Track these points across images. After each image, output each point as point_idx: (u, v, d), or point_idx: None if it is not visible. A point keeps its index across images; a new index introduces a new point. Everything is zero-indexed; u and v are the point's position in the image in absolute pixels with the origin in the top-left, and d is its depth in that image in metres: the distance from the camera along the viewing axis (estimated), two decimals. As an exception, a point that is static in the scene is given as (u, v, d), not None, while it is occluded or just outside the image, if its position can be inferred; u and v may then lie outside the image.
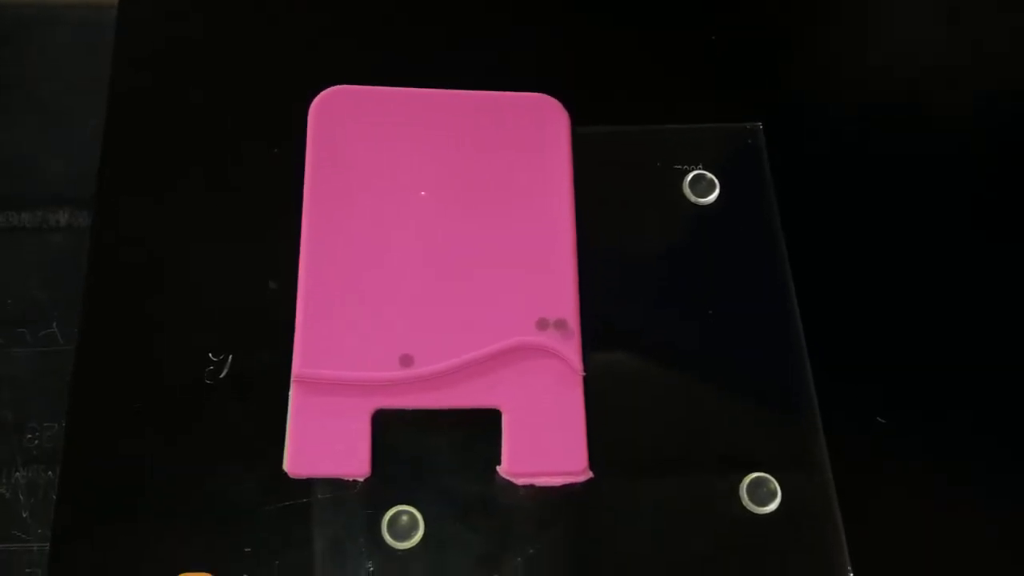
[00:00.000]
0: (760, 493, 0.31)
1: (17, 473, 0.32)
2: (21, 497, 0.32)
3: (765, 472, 0.31)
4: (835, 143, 0.37)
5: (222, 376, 0.31)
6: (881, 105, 0.39)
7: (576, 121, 0.35)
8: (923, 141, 0.38)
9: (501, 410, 0.31)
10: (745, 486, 0.31)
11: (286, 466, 0.30)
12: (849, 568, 0.30)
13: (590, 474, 0.31)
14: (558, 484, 0.31)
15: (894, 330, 0.34)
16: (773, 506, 0.31)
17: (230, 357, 0.32)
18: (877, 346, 0.34)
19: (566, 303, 0.32)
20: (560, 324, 0.32)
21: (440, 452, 0.31)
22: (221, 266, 0.33)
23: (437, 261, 0.32)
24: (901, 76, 0.39)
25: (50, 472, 0.32)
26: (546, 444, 0.31)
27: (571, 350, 0.31)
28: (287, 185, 0.33)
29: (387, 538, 0.30)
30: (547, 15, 0.39)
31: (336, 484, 0.30)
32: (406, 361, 0.31)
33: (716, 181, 0.35)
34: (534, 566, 0.30)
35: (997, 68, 0.40)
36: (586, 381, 0.31)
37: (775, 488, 0.31)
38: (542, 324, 0.32)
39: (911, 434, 0.33)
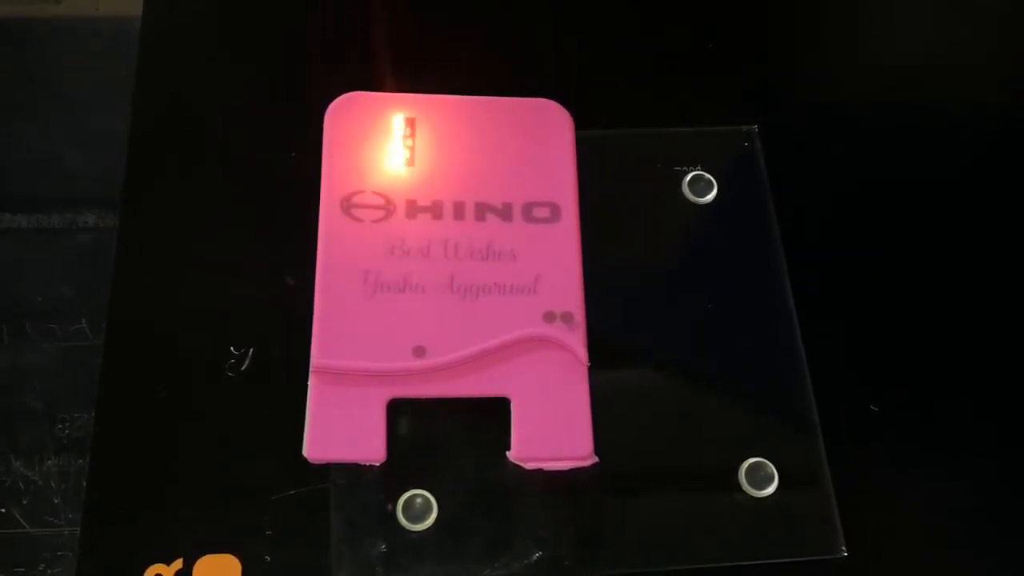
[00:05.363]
0: (758, 477, 0.32)
1: (49, 461, 0.33)
2: (53, 484, 0.33)
3: (763, 457, 0.32)
4: (829, 143, 0.39)
5: (243, 368, 0.33)
6: (874, 106, 0.40)
7: (579, 125, 0.36)
8: (918, 141, 0.39)
9: (510, 398, 0.32)
10: (744, 470, 0.32)
11: (305, 452, 0.31)
12: (843, 547, 0.31)
13: (596, 459, 0.32)
14: (565, 468, 0.32)
15: (887, 324, 0.35)
16: (771, 489, 0.32)
17: (251, 350, 0.33)
18: (870, 340, 0.35)
19: (572, 297, 0.33)
20: (566, 317, 0.33)
21: (452, 438, 0.32)
22: (241, 264, 0.35)
23: (448, 258, 0.33)
24: (894, 79, 0.40)
25: (80, 460, 0.33)
26: (553, 431, 0.32)
27: (577, 341, 0.33)
28: (304, 186, 0.34)
29: (402, 520, 0.31)
30: (551, 23, 0.40)
31: (353, 469, 0.31)
32: (419, 352, 0.32)
33: (714, 181, 0.36)
34: (543, 546, 0.31)
35: (997, 68, 0.41)
36: (591, 371, 0.32)
37: (772, 472, 0.32)
38: (549, 317, 0.33)
39: (903, 420, 0.34)
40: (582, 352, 0.33)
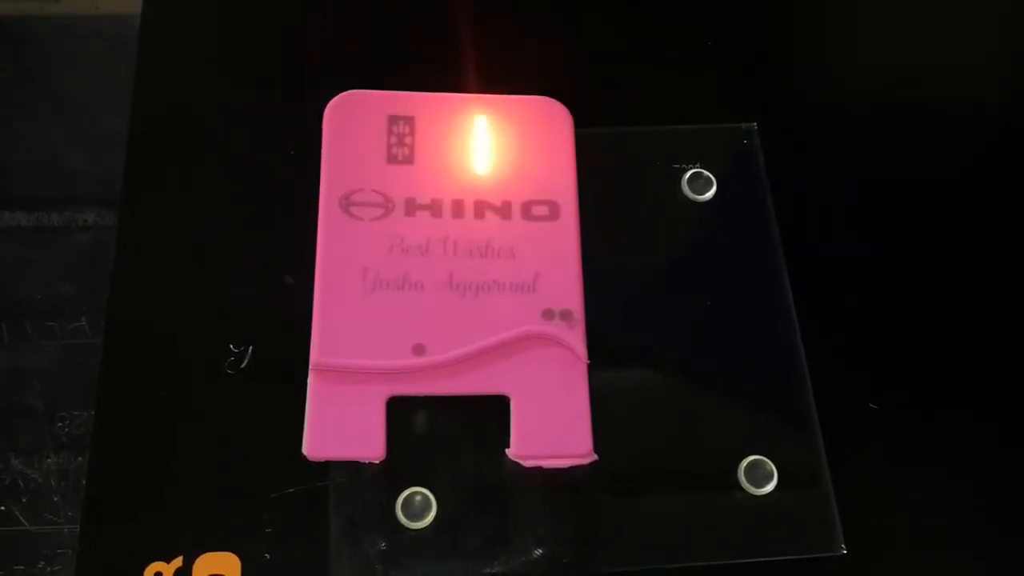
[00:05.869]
0: (757, 475, 0.32)
1: (49, 459, 0.33)
2: (52, 482, 0.33)
3: (762, 455, 0.32)
4: (829, 143, 0.39)
5: (243, 366, 0.33)
6: (874, 106, 0.40)
7: (579, 123, 0.36)
8: (918, 141, 0.39)
9: (509, 396, 0.32)
10: (743, 468, 0.32)
11: (305, 450, 0.31)
12: (842, 545, 0.31)
13: (595, 456, 0.31)
14: (564, 466, 0.32)
15: (887, 324, 0.35)
16: (770, 487, 0.32)
17: (250, 348, 0.33)
18: (870, 340, 0.35)
19: (571, 295, 0.33)
20: (565, 314, 0.33)
21: (451, 436, 0.32)
22: (241, 262, 0.35)
23: (447, 256, 0.33)
24: (894, 79, 0.40)
25: (80, 458, 0.33)
26: (552, 428, 0.32)
27: (576, 339, 0.33)
28: (304, 184, 0.34)
29: (401, 518, 0.31)
30: (551, 21, 0.41)
31: (352, 467, 0.31)
32: (419, 350, 0.32)
33: (713, 179, 0.36)
34: (542, 543, 0.31)
35: (997, 68, 0.41)
36: (590, 369, 0.32)
37: (771, 470, 0.32)
38: (548, 314, 0.33)
39: (903, 420, 0.34)
40: (581, 350, 0.33)
